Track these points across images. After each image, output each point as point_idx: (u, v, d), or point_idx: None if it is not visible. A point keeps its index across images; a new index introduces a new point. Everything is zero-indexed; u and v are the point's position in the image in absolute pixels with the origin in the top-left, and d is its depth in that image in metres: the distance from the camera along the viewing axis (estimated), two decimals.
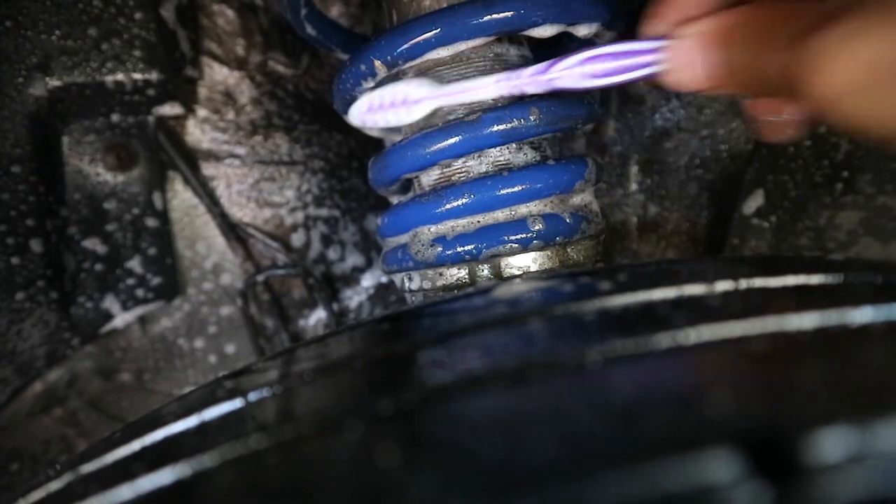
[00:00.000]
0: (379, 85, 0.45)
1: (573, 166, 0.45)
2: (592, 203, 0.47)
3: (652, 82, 0.36)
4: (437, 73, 0.45)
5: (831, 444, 0.14)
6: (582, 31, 0.44)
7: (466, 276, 0.44)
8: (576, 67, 0.38)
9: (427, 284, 0.46)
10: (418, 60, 0.44)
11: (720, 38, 0.31)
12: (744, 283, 0.26)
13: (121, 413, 0.73)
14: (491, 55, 0.45)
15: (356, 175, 0.77)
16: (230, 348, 0.75)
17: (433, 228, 0.45)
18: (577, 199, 0.46)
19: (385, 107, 0.44)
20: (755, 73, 0.30)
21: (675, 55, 0.34)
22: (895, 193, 0.56)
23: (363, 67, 0.44)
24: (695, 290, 0.25)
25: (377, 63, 0.44)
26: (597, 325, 0.23)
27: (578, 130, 0.47)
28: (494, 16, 0.41)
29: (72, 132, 0.65)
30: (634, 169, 0.71)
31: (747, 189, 0.64)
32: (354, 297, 0.79)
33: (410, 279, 0.47)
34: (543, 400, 0.18)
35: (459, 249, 0.43)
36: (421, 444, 0.17)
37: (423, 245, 0.45)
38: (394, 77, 0.45)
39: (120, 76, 0.62)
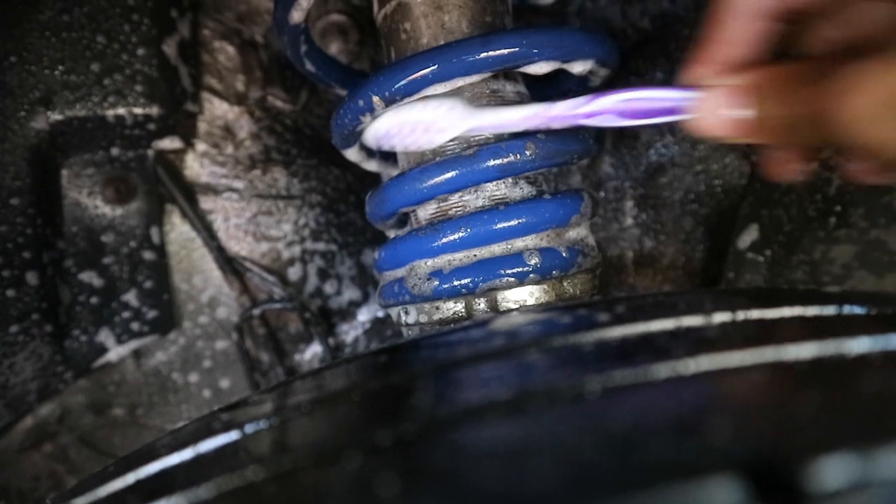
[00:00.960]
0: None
1: (569, 200, 0.45)
2: (588, 237, 0.47)
3: (678, 125, 0.38)
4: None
5: (833, 471, 0.14)
6: (577, 68, 0.45)
7: (463, 310, 0.44)
8: (609, 106, 0.38)
9: (423, 318, 0.46)
10: (416, 96, 0.44)
11: (752, 92, 0.34)
12: (741, 315, 0.26)
13: (113, 449, 0.72)
14: (487, 91, 0.46)
15: (353, 209, 0.77)
16: (225, 383, 0.75)
17: (430, 262, 0.45)
18: (572, 233, 0.46)
19: (405, 133, 0.43)
20: (783, 123, 0.32)
21: (706, 104, 0.35)
22: (888, 227, 0.57)
23: (361, 103, 0.45)
24: (692, 321, 0.26)
25: (375, 99, 0.44)
26: (595, 355, 0.23)
27: (574, 165, 0.48)
28: (491, 53, 0.42)
29: (71, 165, 0.65)
30: (630, 203, 0.72)
31: (742, 223, 0.65)
32: (350, 332, 0.78)
33: (407, 313, 0.47)
34: (542, 429, 0.18)
35: (456, 283, 0.43)
36: (420, 475, 0.17)
37: (419, 279, 0.45)
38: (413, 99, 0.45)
39: (121, 110, 0.63)
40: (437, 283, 0.44)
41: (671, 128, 0.70)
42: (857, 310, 0.28)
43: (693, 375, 0.20)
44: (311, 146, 0.76)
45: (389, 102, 0.44)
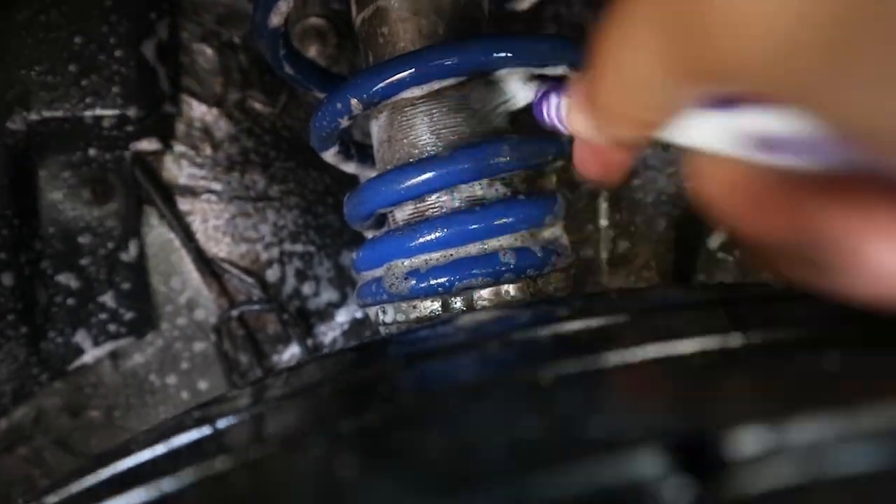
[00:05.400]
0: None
1: (543, 201, 0.46)
2: (562, 237, 0.48)
3: None
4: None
5: (748, 440, 0.15)
6: (551, 72, 0.46)
7: (440, 309, 0.45)
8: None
9: (401, 317, 0.46)
10: (393, 99, 0.45)
11: (578, 100, 0.32)
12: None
13: (89, 451, 0.72)
14: (463, 94, 0.46)
15: (331, 211, 0.78)
16: (203, 384, 0.75)
17: (407, 262, 0.46)
18: (547, 234, 0.47)
19: None
20: (603, 128, 0.30)
21: (568, 114, 0.34)
22: None
23: (339, 106, 0.45)
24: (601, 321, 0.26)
25: (353, 101, 0.45)
26: (551, 347, 0.24)
27: (549, 167, 0.48)
28: (466, 58, 0.43)
29: (49, 166, 0.65)
30: (604, 205, 0.73)
31: (711, 224, 0.66)
32: (329, 333, 0.79)
33: (385, 312, 0.48)
34: (495, 412, 0.19)
35: (433, 282, 0.44)
36: (379, 454, 0.18)
37: (397, 278, 0.45)
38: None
39: (98, 111, 0.63)
40: (414, 282, 0.44)
41: None
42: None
43: (640, 363, 0.21)
44: (289, 148, 0.76)
45: (367, 105, 0.45)
